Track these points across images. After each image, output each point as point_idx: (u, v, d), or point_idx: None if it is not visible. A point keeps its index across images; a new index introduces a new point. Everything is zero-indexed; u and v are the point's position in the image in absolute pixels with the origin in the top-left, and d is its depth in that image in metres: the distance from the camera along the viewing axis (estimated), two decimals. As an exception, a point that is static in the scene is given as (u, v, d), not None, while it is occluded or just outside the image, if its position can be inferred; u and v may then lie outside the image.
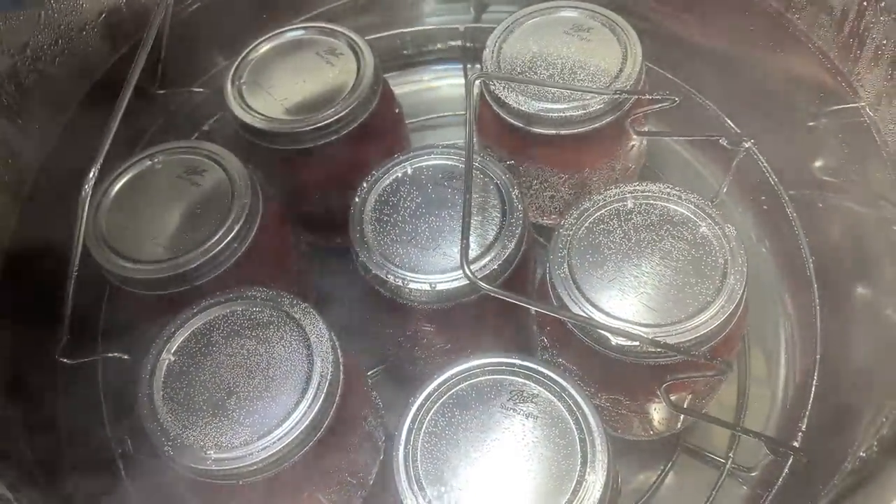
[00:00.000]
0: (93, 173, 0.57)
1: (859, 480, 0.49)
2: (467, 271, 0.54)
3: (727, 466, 0.70)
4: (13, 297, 0.68)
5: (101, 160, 0.57)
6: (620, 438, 0.71)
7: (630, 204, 0.63)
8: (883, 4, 0.64)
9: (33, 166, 0.72)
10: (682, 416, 0.68)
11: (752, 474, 0.71)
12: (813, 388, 0.70)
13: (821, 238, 0.77)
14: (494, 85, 0.72)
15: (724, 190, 0.74)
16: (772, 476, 0.68)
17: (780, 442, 0.69)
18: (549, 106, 0.70)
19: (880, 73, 0.67)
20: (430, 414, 0.55)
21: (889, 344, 0.66)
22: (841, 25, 0.70)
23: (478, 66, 0.77)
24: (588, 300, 0.59)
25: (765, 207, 0.83)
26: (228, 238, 0.67)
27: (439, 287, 0.61)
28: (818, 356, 0.71)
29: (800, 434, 0.67)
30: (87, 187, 0.57)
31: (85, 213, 0.58)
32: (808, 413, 0.69)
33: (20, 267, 0.69)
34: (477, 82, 0.73)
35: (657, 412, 0.65)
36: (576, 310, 0.58)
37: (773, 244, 0.83)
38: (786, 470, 0.67)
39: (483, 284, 0.54)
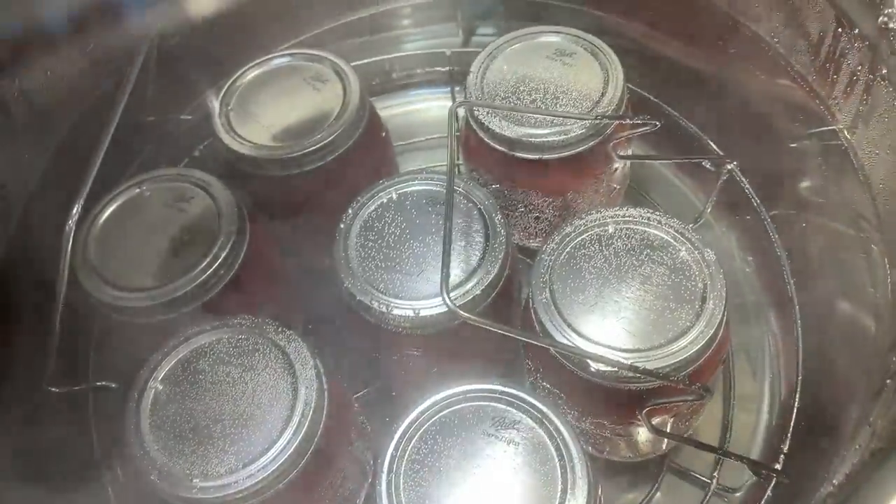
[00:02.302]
0: (76, 209, 0.58)
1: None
2: (448, 301, 0.54)
3: (712, 487, 0.71)
4: (1, 325, 0.69)
5: (85, 194, 0.58)
6: (607, 459, 0.71)
7: (611, 229, 0.64)
8: (857, 31, 0.65)
9: (21, 195, 0.73)
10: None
11: (737, 495, 0.72)
12: (795, 409, 0.70)
13: (802, 258, 0.78)
14: (478, 110, 0.73)
15: (708, 210, 0.75)
16: (755, 497, 0.69)
17: (762, 464, 0.70)
18: (532, 131, 0.71)
19: (856, 98, 0.68)
20: (412, 441, 0.55)
21: (869, 364, 0.66)
22: (818, 50, 0.71)
23: (463, 89, 0.78)
24: (569, 325, 0.59)
25: (747, 228, 0.84)
26: (215, 265, 0.68)
27: (423, 313, 0.62)
28: (800, 377, 0.72)
29: (782, 456, 0.67)
30: (71, 223, 0.58)
31: (69, 248, 0.59)
32: (790, 434, 0.69)
33: (8, 295, 0.70)
34: (461, 109, 0.74)
35: (641, 435, 0.66)
36: (557, 335, 0.59)
37: (756, 264, 0.84)
38: (769, 492, 0.67)
39: (463, 314, 0.55)
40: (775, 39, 0.76)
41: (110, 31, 0.76)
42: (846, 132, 0.70)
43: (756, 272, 0.84)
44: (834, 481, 0.52)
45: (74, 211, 0.58)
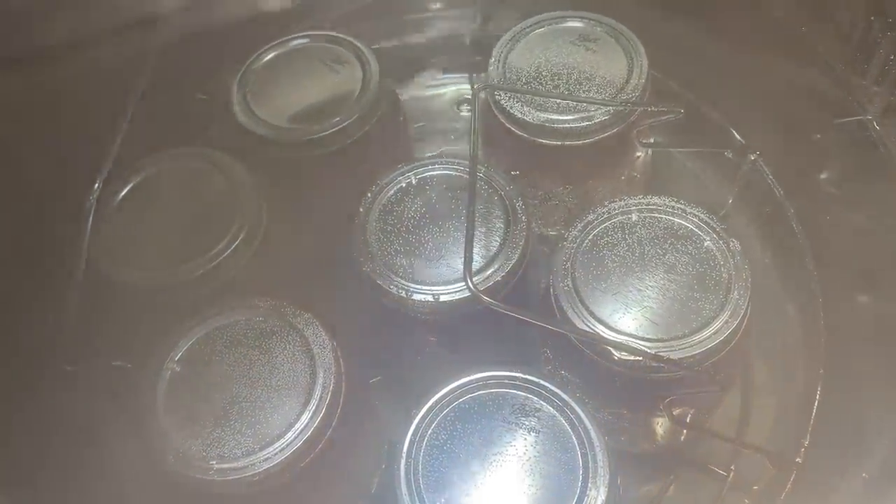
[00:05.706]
0: (97, 185, 0.57)
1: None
2: (471, 285, 0.54)
3: (729, 479, 0.70)
4: (18, 303, 0.69)
5: (107, 171, 0.58)
6: (624, 450, 0.70)
7: (635, 217, 0.63)
8: (891, 20, 0.64)
9: (40, 173, 0.73)
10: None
11: (755, 488, 0.71)
12: (816, 402, 0.69)
13: (826, 251, 0.77)
14: (500, 95, 0.72)
15: (731, 202, 0.74)
16: (774, 490, 0.68)
17: (782, 457, 0.69)
18: (554, 117, 0.70)
19: (887, 87, 0.66)
20: (431, 427, 0.55)
21: (893, 357, 0.65)
22: (848, 39, 0.69)
23: (483, 75, 0.77)
24: (591, 314, 0.58)
25: (770, 220, 0.82)
26: (232, 246, 0.67)
27: (443, 299, 0.62)
28: (822, 371, 0.71)
29: (802, 449, 0.66)
30: (92, 198, 0.57)
31: (89, 225, 0.58)
32: (811, 427, 0.68)
33: (24, 272, 0.69)
34: (482, 93, 0.73)
35: (660, 426, 0.65)
36: (579, 323, 0.58)
37: (778, 257, 0.83)
38: (789, 485, 0.66)
39: (486, 299, 0.54)
40: (804, 28, 0.74)
41: (128, 9, 0.75)
42: (876, 123, 0.69)
43: (779, 264, 0.82)
44: (864, 474, 0.51)
45: (95, 187, 0.57)
